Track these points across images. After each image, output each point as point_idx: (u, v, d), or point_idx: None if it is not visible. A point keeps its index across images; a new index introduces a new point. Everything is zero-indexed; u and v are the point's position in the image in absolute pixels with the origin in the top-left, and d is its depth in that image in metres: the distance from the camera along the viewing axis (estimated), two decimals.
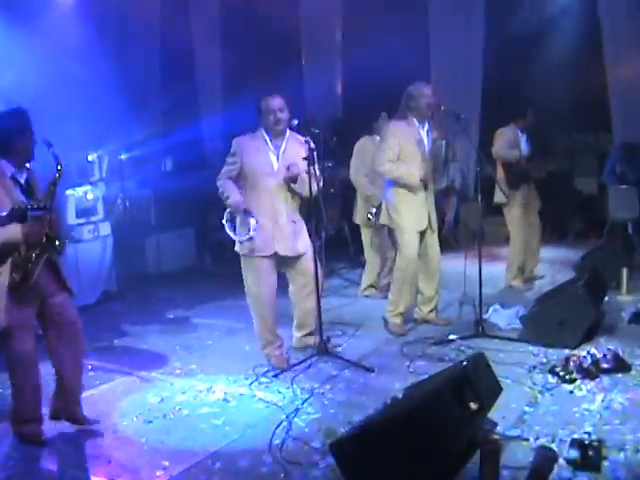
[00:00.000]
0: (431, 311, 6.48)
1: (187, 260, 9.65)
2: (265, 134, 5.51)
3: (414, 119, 6.12)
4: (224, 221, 5.57)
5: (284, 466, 3.96)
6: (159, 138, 10.47)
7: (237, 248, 5.61)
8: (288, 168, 5.40)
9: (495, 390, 4.13)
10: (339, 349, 5.88)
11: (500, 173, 7.48)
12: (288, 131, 5.56)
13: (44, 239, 4.17)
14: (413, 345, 5.95)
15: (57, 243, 4.27)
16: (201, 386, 5.28)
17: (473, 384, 3.82)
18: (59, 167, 4.29)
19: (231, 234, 5.53)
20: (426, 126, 6.21)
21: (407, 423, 3.43)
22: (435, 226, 6.34)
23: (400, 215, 6.16)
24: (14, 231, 4.00)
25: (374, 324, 6.64)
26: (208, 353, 6.11)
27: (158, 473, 3.98)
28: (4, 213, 3.44)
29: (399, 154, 6.06)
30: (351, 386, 5.15)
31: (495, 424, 4.20)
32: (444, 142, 6.25)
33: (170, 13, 11.43)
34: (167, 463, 4.08)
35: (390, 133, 6.12)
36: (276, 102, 5.44)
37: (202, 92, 12.17)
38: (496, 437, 4.00)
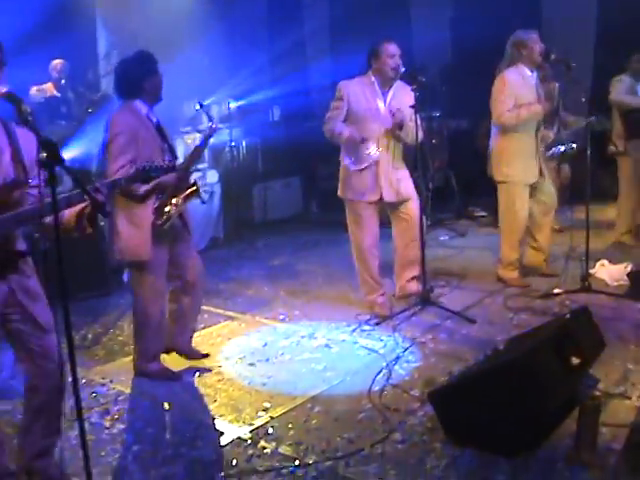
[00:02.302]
0: (545, 260, 6.43)
1: (293, 208, 9.76)
2: (374, 78, 5.49)
3: (524, 66, 5.97)
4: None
5: (382, 412, 4.02)
6: (267, 87, 10.54)
7: (340, 193, 5.67)
8: (393, 114, 5.38)
9: (598, 346, 4.05)
10: (442, 299, 5.86)
11: (617, 122, 7.22)
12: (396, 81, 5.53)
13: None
14: (517, 298, 5.89)
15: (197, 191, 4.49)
16: (304, 332, 5.40)
17: (575, 338, 3.75)
18: (212, 126, 4.61)
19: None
20: (535, 73, 6.05)
21: (507, 375, 3.42)
22: (546, 172, 6.21)
23: (511, 166, 6.05)
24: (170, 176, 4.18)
25: (478, 275, 6.60)
26: (311, 299, 6.22)
27: (260, 413, 4.11)
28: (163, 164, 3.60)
29: (516, 103, 5.92)
30: (453, 336, 5.15)
31: (597, 380, 4.12)
32: (557, 85, 6.08)
33: None
34: (268, 405, 4.21)
35: (504, 82, 5.98)
36: (395, 48, 5.43)
37: (310, 42, 12.13)
38: (597, 393, 3.93)
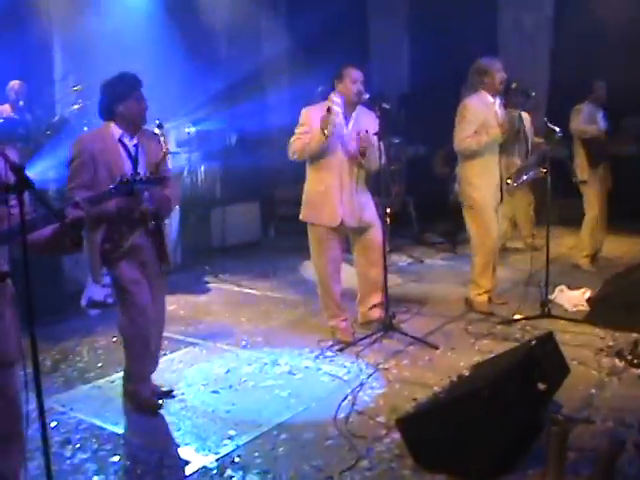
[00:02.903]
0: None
1: (252, 234, 9.70)
2: (337, 102, 5.50)
3: (486, 93, 6.07)
4: None
5: (349, 439, 4.00)
6: (225, 112, 10.53)
7: (302, 216, 5.67)
8: (358, 134, 5.40)
9: (562, 371, 4.10)
10: (404, 326, 5.87)
11: (578, 151, 7.37)
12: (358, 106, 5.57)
13: (140, 215, 4.28)
14: (478, 324, 5.94)
15: (153, 221, 4.37)
16: (266, 358, 5.36)
17: (541, 364, 3.80)
18: (164, 149, 4.45)
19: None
20: (497, 100, 6.15)
21: (475, 402, 3.44)
22: (500, 202, 6.31)
23: (479, 191, 6.10)
24: (111, 205, 4.09)
25: (438, 301, 6.66)
26: (274, 326, 6.19)
27: (225, 442, 4.06)
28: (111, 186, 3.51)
29: (478, 130, 6.00)
30: (416, 362, 5.16)
31: (561, 406, 4.17)
32: (518, 113, 6.18)
33: None
34: (234, 433, 4.16)
35: (466, 109, 6.06)
36: (358, 73, 5.48)
37: (267, 68, 12.17)
38: (562, 418, 3.97)
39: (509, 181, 6.57)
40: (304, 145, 5.43)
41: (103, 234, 4.24)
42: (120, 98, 4.28)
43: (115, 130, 4.32)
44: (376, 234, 5.67)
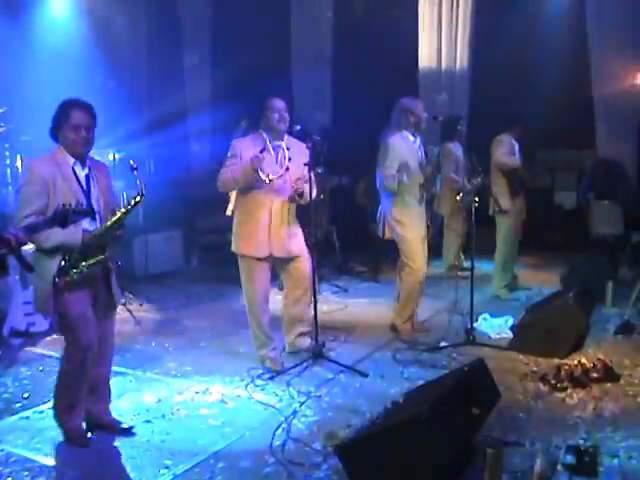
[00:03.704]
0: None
1: (175, 262, 9.62)
2: (265, 135, 5.58)
3: (408, 132, 6.26)
4: None
5: (287, 467, 4.02)
6: (146, 139, 10.47)
7: (233, 248, 5.69)
8: (294, 187, 5.50)
9: (494, 396, 4.23)
10: (332, 353, 5.94)
11: (499, 182, 7.60)
12: (286, 135, 5.65)
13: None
14: (404, 351, 6.05)
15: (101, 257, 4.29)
16: (197, 387, 5.33)
17: (475, 390, 3.92)
18: (140, 195, 4.24)
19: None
20: (418, 139, 6.37)
21: (415, 427, 3.51)
22: (427, 234, 6.48)
23: (405, 227, 6.30)
24: (76, 236, 4.05)
25: (364, 329, 6.76)
26: (202, 354, 6.15)
27: (162, 471, 4.03)
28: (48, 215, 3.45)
29: (398, 167, 6.17)
30: (347, 390, 5.22)
31: (491, 430, 4.30)
32: (437, 149, 6.38)
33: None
34: (170, 462, 4.13)
35: (389, 147, 6.22)
36: (280, 102, 5.56)
37: (190, 95, 12.19)
38: (494, 441, 4.09)
39: (458, 198, 7.12)
40: (233, 178, 5.47)
41: (57, 263, 4.14)
42: (61, 122, 4.19)
43: (67, 157, 4.21)
44: (304, 264, 5.74)
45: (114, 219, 4.21)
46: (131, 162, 4.31)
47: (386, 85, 9.06)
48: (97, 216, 4.25)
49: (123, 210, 4.22)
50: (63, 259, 4.14)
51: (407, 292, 6.42)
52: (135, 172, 4.29)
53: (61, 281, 4.13)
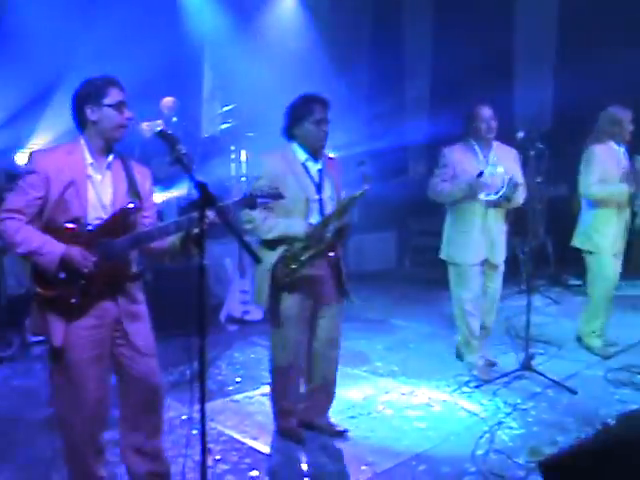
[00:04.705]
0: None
1: (387, 262, 9.81)
2: (475, 143, 5.60)
3: (612, 142, 6.07)
4: None
5: (487, 477, 4.03)
6: (366, 142, 10.72)
7: (444, 255, 5.78)
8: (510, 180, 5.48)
9: None
10: (541, 367, 5.84)
11: None
12: (495, 142, 5.64)
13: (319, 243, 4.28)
14: (618, 372, 5.82)
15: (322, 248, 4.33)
16: (404, 388, 5.45)
17: None
18: (364, 190, 4.20)
19: None
20: (622, 149, 6.13)
21: (626, 454, 3.39)
22: (621, 250, 6.30)
23: (601, 236, 6.13)
24: (299, 227, 4.20)
25: (575, 345, 6.54)
26: (409, 356, 6.28)
27: (363, 468, 4.17)
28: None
29: (601, 177, 6.00)
30: (554, 406, 5.12)
31: None
32: None
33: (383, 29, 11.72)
34: (372, 459, 4.26)
35: (593, 156, 6.05)
36: (488, 111, 5.56)
37: (410, 101, 12.31)
38: None
39: None
40: (449, 195, 5.56)
41: (277, 256, 4.26)
42: (297, 120, 4.28)
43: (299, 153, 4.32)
44: (499, 276, 5.76)
45: (336, 211, 4.27)
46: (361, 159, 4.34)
47: (616, 90, 8.67)
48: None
49: (345, 202, 4.26)
50: (285, 251, 4.26)
51: (593, 304, 6.33)
52: (362, 167, 4.26)
53: (280, 273, 4.23)
